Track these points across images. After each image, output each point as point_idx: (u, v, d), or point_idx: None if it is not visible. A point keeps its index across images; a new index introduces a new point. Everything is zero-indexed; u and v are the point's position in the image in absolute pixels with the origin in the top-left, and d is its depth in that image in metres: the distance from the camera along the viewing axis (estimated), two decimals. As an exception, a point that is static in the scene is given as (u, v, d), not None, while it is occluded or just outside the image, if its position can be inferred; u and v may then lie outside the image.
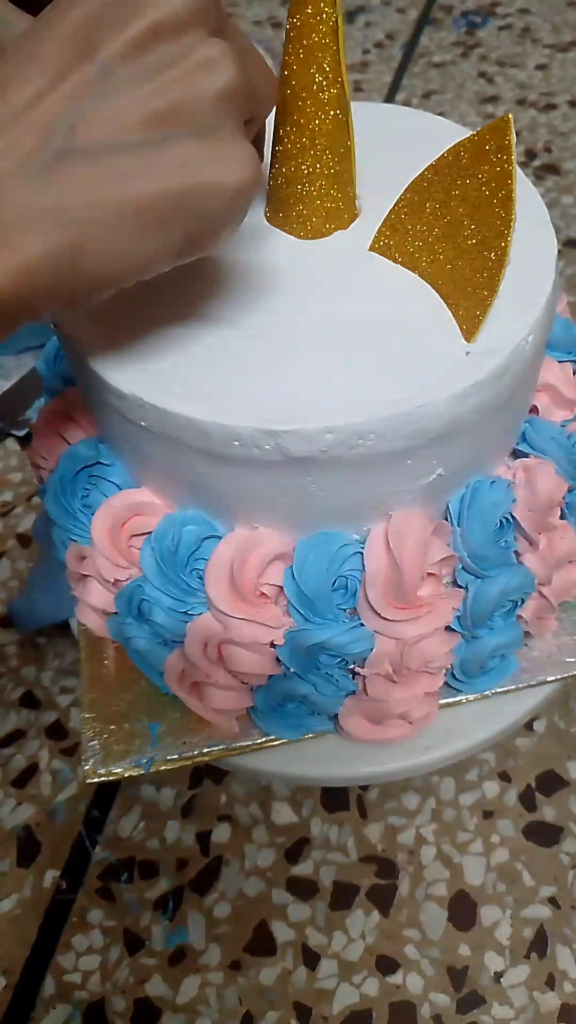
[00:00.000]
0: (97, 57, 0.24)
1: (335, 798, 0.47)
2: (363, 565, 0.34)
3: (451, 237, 0.32)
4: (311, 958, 0.42)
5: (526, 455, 0.37)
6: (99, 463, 0.37)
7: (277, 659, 0.36)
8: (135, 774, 0.40)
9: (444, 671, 0.40)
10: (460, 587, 0.37)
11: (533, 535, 0.36)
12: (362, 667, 0.37)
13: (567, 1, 1.07)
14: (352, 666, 0.37)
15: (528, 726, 0.49)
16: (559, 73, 0.96)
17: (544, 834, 0.45)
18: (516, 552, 0.37)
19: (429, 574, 0.35)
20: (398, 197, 0.33)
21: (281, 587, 0.35)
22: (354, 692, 0.39)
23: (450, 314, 0.33)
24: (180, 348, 0.32)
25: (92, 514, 0.37)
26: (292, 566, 0.34)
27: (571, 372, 0.40)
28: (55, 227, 0.23)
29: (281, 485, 0.31)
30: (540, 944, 0.42)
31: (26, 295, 0.23)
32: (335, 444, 0.30)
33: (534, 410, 0.39)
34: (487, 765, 0.48)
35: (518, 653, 0.43)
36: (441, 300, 0.33)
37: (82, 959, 0.43)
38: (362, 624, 0.35)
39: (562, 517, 0.39)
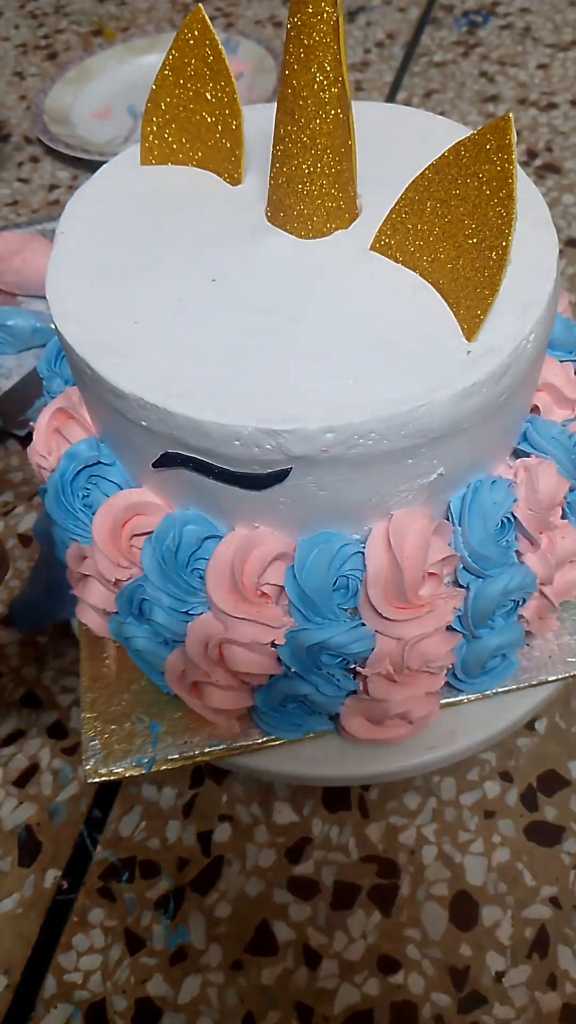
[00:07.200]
0: None
1: (336, 798, 0.47)
2: (364, 565, 0.34)
3: (452, 236, 0.32)
4: (312, 958, 0.42)
5: (527, 454, 0.37)
6: (100, 463, 0.37)
7: (278, 659, 0.36)
8: (136, 774, 0.40)
9: (445, 671, 0.40)
10: (461, 587, 0.37)
11: (534, 535, 0.36)
12: (363, 667, 0.37)
13: (568, 1, 1.06)
14: (353, 666, 0.37)
15: (529, 726, 0.49)
16: (560, 72, 0.96)
17: (545, 834, 0.45)
18: (517, 552, 0.37)
19: (430, 574, 0.35)
20: (399, 196, 0.33)
21: (282, 587, 0.35)
22: (355, 692, 0.39)
23: (451, 313, 0.33)
24: (180, 348, 0.32)
25: (92, 514, 0.37)
26: (293, 566, 0.34)
27: (572, 372, 0.40)
28: None
29: (281, 485, 0.31)
30: (541, 944, 0.42)
31: None
32: (335, 444, 0.30)
33: (535, 410, 0.39)
34: (488, 765, 0.48)
35: (519, 653, 0.43)
36: (442, 299, 0.33)
37: (83, 959, 0.43)
38: (363, 624, 0.35)
39: (563, 517, 0.39)
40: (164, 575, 0.35)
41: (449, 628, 0.37)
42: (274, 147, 0.34)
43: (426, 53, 1.01)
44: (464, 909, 0.43)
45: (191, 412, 0.30)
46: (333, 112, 0.32)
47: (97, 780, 0.40)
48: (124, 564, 0.37)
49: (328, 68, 0.31)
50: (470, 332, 0.31)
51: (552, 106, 0.91)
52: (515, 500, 0.36)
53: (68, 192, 0.89)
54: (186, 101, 0.38)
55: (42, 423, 0.40)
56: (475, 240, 0.31)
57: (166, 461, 0.33)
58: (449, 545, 0.36)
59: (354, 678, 0.38)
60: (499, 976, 0.41)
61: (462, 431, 0.32)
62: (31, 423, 0.43)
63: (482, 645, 0.39)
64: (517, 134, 0.29)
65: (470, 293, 0.31)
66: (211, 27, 0.36)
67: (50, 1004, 0.42)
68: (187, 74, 0.37)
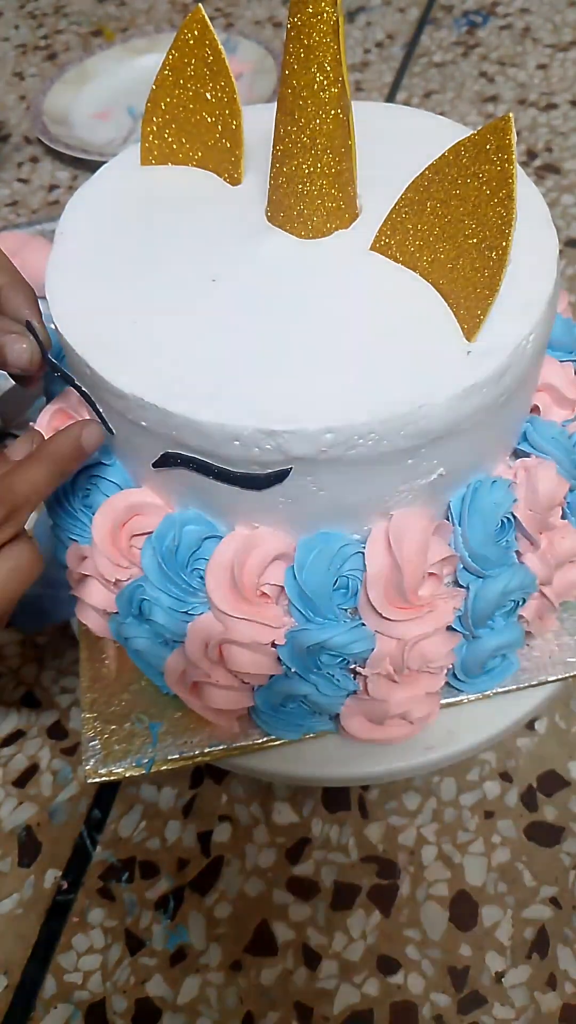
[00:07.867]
0: None
1: (336, 798, 0.47)
2: (364, 565, 0.34)
3: (452, 236, 0.32)
4: (312, 958, 0.42)
5: (527, 455, 0.37)
6: (99, 463, 0.37)
7: (278, 659, 0.36)
8: (136, 774, 0.40)
9: (445, 671, 0.40)
10: (461, 587, 0.37)
11: (534, 535, 0.36)
12: (363, 667, 0.37)
13: (568, 1, 1.06)
14: (353, 666, 0.37)
15: (529, 726, 0.49)
16: (559, 73, 0.96)
17: (545, 834, 0.45)
18: (517, 552, 0.37)
19: (430, 574, 0.35)
20: (399, 196, 0.33)
21: (282, 587, 0.35)
22: (355, 692, 0.39)
23: (451, 314, 0.33)
24: (180, 348, 0.32)
25: (92, 514, 0.37)
26: (293, 566, 0.34)
27: (572, 372, 0.40)
28: None
29: (281, 485, 0.31)
30: (541, 944, 0.42)
31: None
32: (335, 444, 0.30)
33: (535, 410, 0.39)
34: (488, 765, 0.48)
35: (519, 653, 0.43)
36: (442, 299, 0.33)
37: (83, 959, 0.43)
38: (363, 624, 0.35)
39: (563, 517, 0.39)
40: (164, 575, 0.35)
41: (449, 628, 0.37)
42: (274, 147, 0.34)
43: (426, 53, 1.01)
44: (464, 909, 0.43)
45: (191, 412, 0.30)
46: (333, 112, 0.32)
47: (97, 780, 0.40)
48: (124, 564, 0.37)
49: (328, 68, 0.31)
50: (470, 332, 0.31)
51: (552, 106, 0.91)
52: (515, 500, 0.36)
53: (68, 192, 0.89)
54: (186, 101, 0.38)
55: (42, 423, 0.40)
56: (475, 240, 0.31)
57: (166, 461, 0.33)
58: (449, 545, 0.36)
59: (354, 678, 0.38)
60: (499, 976, 0.41)
61: (462, 431, 0.32)
62: (31, 423, 0.43)
63: (482, 645, 0.39)
64: (517, 134, 0.29)
65: (470, 293, 0.31)
66: (211, 27, 0.36)
67: (50, 1004, 0.42)
68: (187, 74, 0.37)
